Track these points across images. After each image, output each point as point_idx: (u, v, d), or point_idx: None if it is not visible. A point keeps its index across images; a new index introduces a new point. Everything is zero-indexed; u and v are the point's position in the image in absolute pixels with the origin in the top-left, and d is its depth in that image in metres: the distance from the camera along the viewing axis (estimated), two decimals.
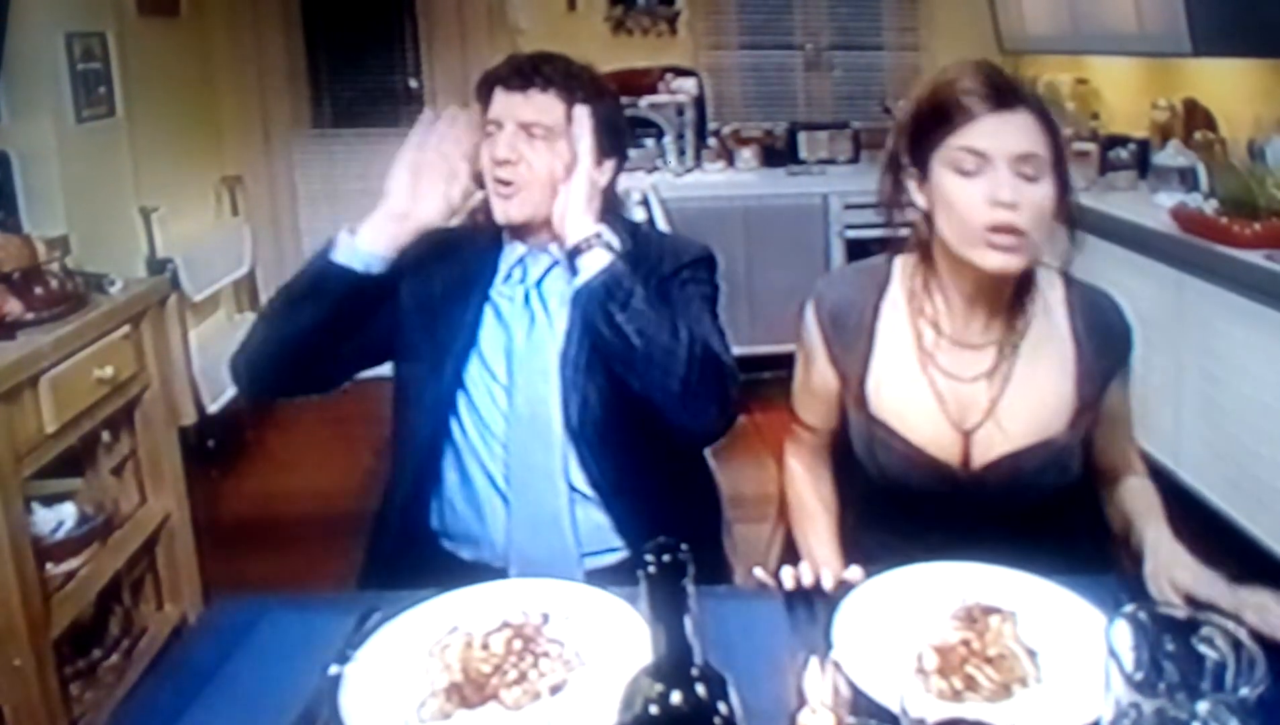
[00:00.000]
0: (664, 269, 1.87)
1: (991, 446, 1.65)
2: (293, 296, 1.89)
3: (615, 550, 1.89)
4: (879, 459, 1.70)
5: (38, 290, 2.54)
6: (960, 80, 1.55)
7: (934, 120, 1.57)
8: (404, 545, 1.90)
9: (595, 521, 1.88)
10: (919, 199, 1.64)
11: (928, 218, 1.63)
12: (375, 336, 1.91)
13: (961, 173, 1.54)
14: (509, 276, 1.92)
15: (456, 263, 1.93)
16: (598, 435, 1.85)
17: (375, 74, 5.58)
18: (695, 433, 1.82)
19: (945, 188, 1.56)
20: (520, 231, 1.89)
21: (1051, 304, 1.66)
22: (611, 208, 1.93)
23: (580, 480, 1.87)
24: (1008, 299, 1.64)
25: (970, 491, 1.66)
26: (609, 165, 1.89)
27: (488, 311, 1.90)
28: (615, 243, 1.76)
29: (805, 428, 1.85)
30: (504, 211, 1.85)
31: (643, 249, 1.89)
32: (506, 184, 1.83)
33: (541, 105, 1.84)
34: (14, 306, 2.47)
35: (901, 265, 1.75)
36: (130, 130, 4.06)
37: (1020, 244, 1.53)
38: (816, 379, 1.78)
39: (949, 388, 1.66)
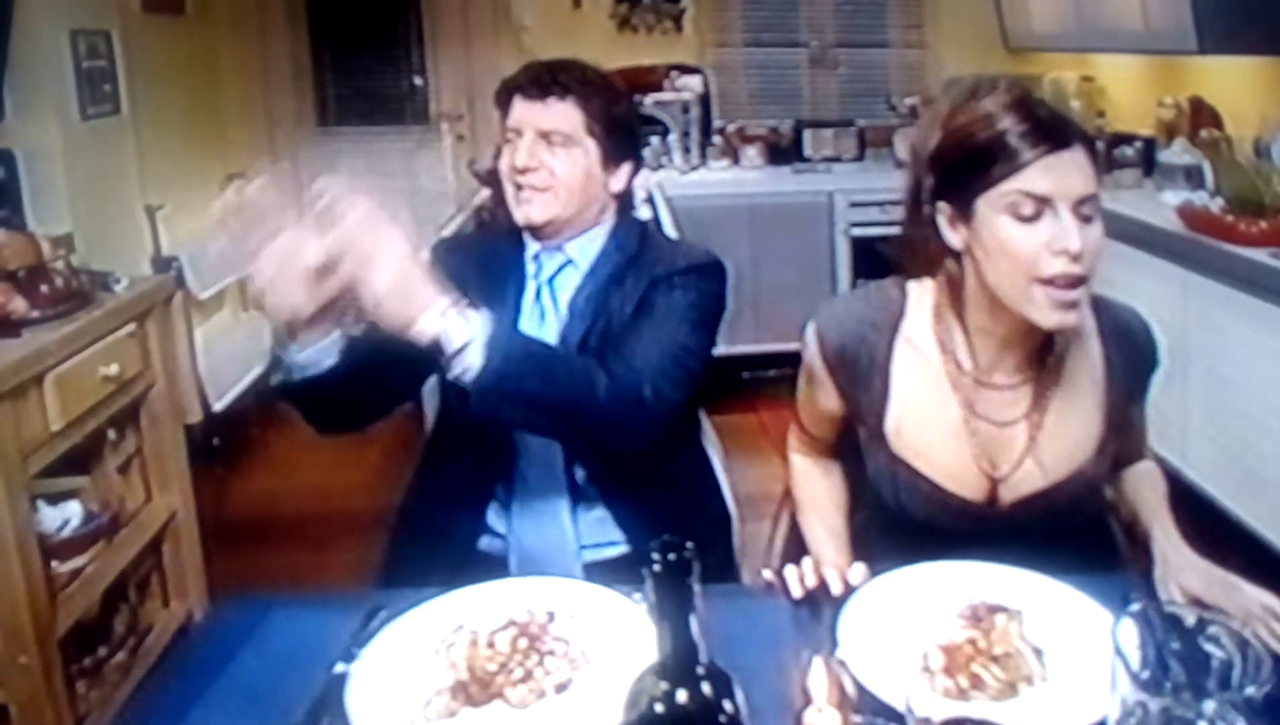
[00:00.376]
0: (655, 272, 1.87)
1: (1022, 485, 1.60)
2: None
3: (615, 544, 1.92)
4: (900, 497, 1.64)
5: (43, 288, 2.54)
6: (1003, 117, 1.44)
7: (975, 159, 1.45)
8: (447, 542, 1.92)
9: (596, 515, 1.92)
10: (953, 238, 1.52)
11: (959, 256, 1.53)
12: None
13: (1020, 219, 1.42)
14: (526, 269, 1.96)
15: (489, 262, 1.96)
16: None
17: (380, 72, 5.58)
18: (613, 447, 1.75)
19: (1000, 235, 1.44)
20: (537, 230, 1.92)
21: (1083, 333, 1.58)
22: (627, 209, 1.98)
23: (582, 475, 1.91)
24: (1040, 339, 1.56)
25: (997, 526, 1.60)
26: (625, 169, 1.94)
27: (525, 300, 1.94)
28: (463, 324, 1.51)
29: (808, 434, 1.83)
30: (525, 214, 1.88)
31: (649, 254, 1.93)
32: (528, 189, 1.86)
33: (560, 113, 1.86)
34: (19, 304, 2.48)
35: (917, 297, 1.65)
36: (135, 128, 4.06)
37: (1081, 297, 1.44)
38: (822, 402, 1.72)
39: (981, 430, 1.59)
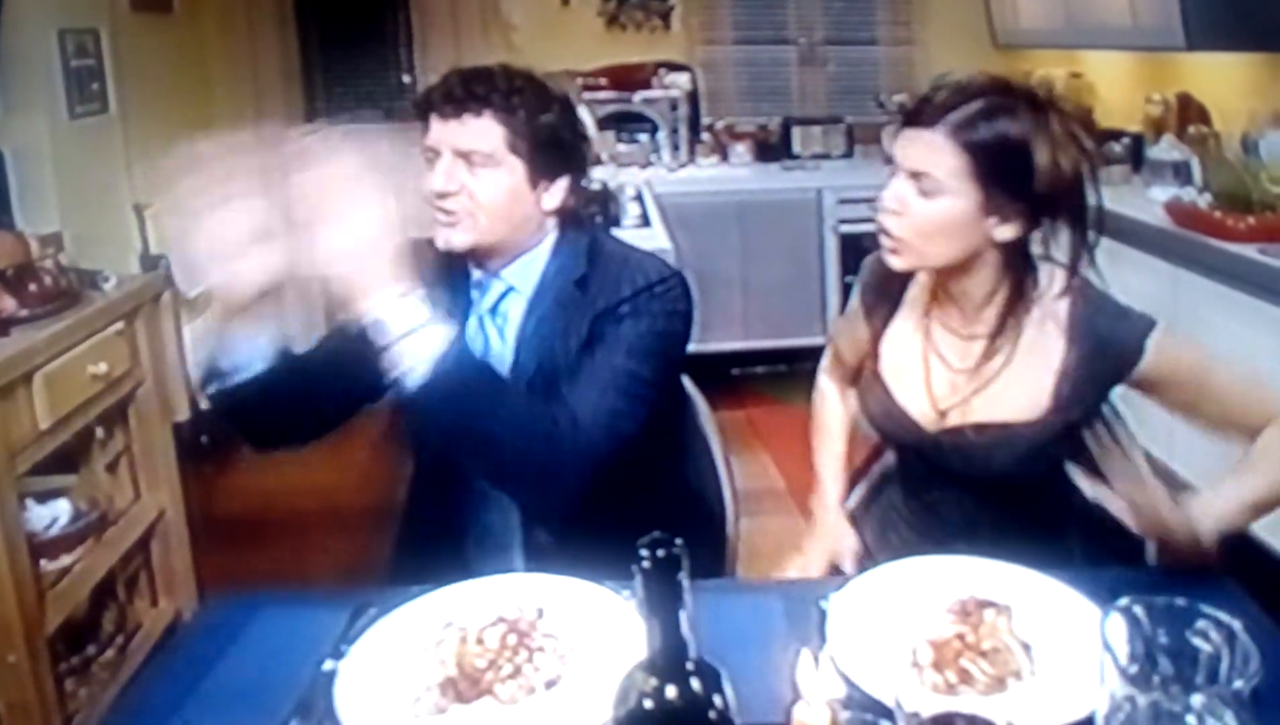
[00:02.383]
0: (601, 303, 1.73)
1: (960, 422, 1.69)
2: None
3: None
4: (870, 406, 1.81)
5: (31, 287, 2.54)
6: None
7: None
8: (442, 546, 1.90)
9: (546, 540, 1.82)
10: None
11: None
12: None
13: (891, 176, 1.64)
14: (471, 296, 1.85)
15: (436, 281, 1.78)
16: None
17: (369, 70, 5.57)
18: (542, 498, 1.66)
19: None
20: (471, 257, 1.80)
21: (1050, 304, 1.64)
22: (570, 224, 1.84)
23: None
24: (1001, 299, 1.65)
25: (933, 448, 1.74)
26: (560, 183, 1.78)
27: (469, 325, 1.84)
28: (416, 313, 1.48)
29: (838, 356, 2.00)
30: (445, 239, 1.74)
31: (598, 273, 1.78)
32: (448, 213, 1.73)
33: (477, 130, 1.71)
34: (7, 303, 2.47)
35: None
36: (124, 126, 4.05)
37: (892, 246, 1.63)
38: (854, 326, 1.89)
39: (937, 368, 1.73)
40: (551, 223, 1.82)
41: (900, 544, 1.81)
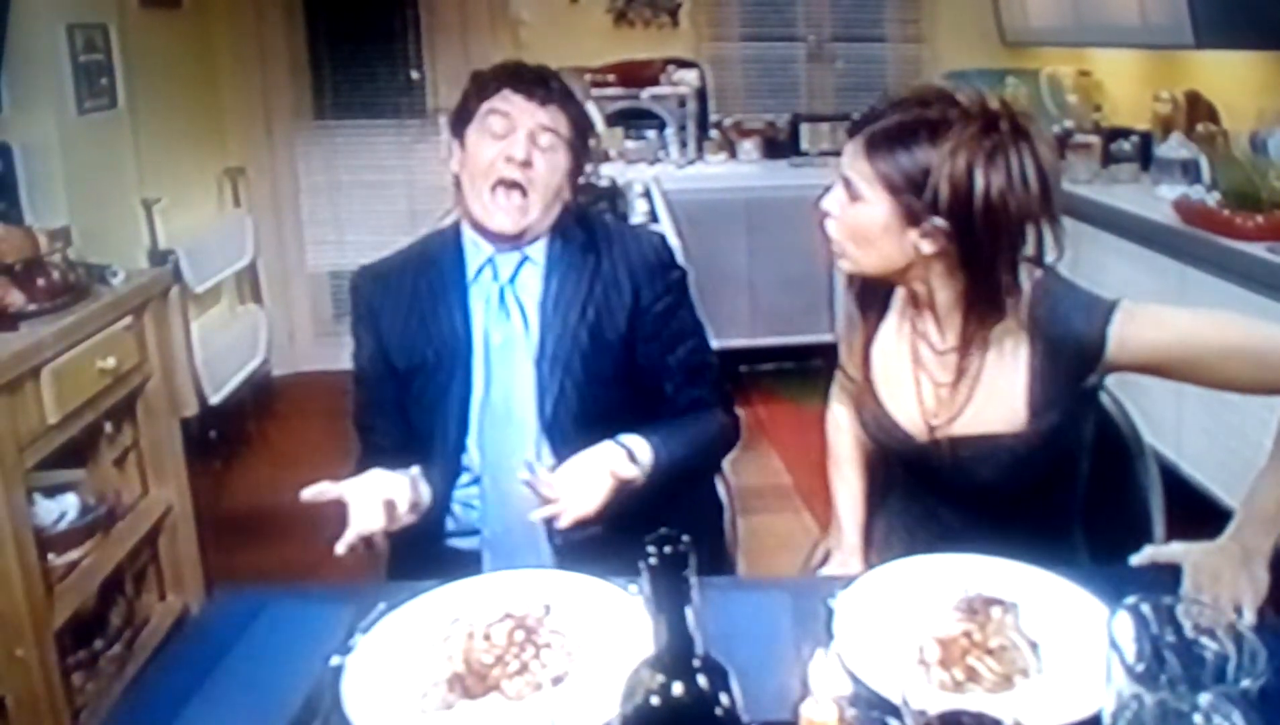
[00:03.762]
0: (644, 300, 1.92)
1: (949, 436, 1.66)
2: None
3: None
4: (865, 419, 1.78)
5: (40, 281, 2.54)
6: None
7: None
8: (426, 542, 1.91)
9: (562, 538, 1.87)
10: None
11: None
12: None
13: None
14: (479, 275, 1.93)
15: (426, 272, 1.95)
16: (572, 427, 1.87)
17: (377, 65, 5.56)
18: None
19: None
20: (493, 234, 1.89)
21: (1016, 319, 1.61)
22: (573, 207, 1.98)
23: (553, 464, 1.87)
24: (962, 310, 1.62)
25: (923, 460, 1.71)
26: (580, 174, 1.97)
27: (472, 308, 1.92)
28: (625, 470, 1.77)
29: (846, 375, 1.89)
30: (502, 224, 1.85)
31: (600, 239, 1.96)
32: (514, 187, 1.83)
33: (554, 115, 1.87)
34: (16, 298, 2.47)
35: None
36: (132, 122, 4.05)
37: (835, 248, 1.66)
38: (853, 332, 1.82)
39: (924, 382, 1.69)
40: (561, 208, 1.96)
41: (903, 551, 1.77)
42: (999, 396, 1.61)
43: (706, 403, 1.96)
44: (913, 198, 1.52)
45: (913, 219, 1.54)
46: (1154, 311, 1.59)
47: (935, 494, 1.76)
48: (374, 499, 1.68)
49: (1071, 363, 1.58)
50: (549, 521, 1.72)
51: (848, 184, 1.58)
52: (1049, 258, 1.59)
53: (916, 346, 1.70)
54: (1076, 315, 1.58)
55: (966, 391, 1.63)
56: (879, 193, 1.55)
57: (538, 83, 1.87)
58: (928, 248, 1.55)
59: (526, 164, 1.83)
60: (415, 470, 1.77)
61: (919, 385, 1.69)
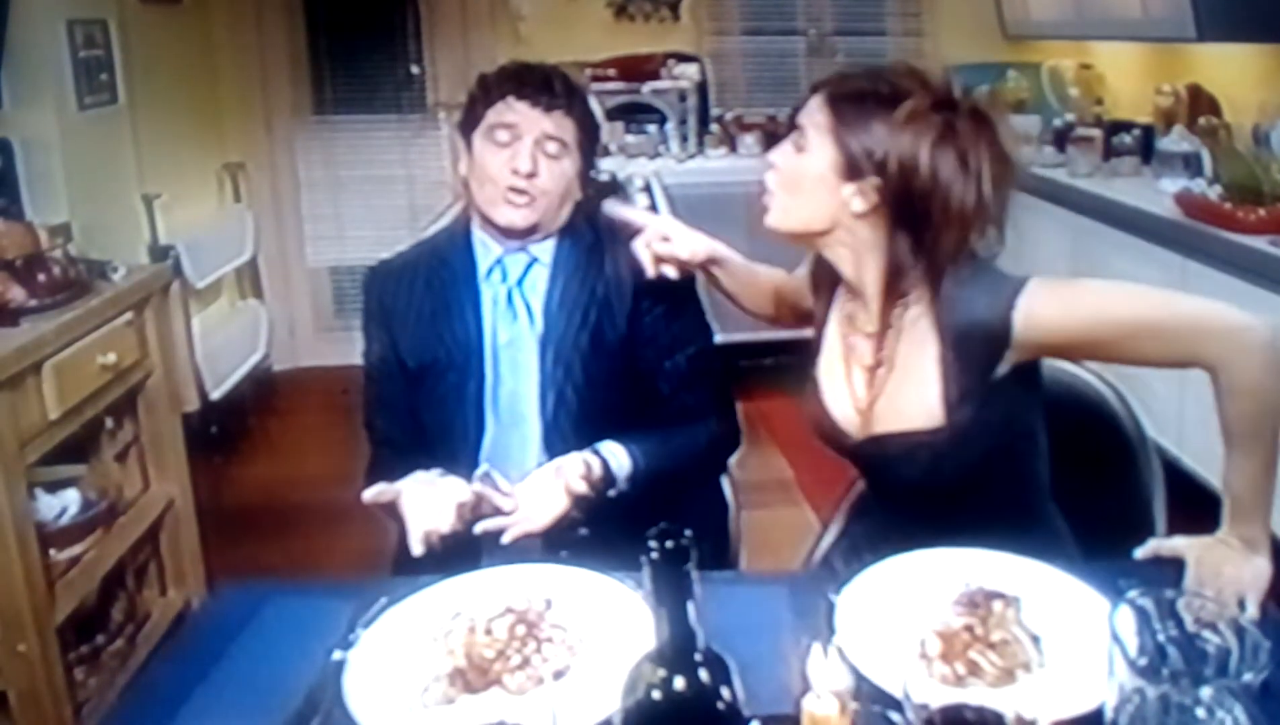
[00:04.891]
0: (644, 302, 1.91)
1: (876, 425, 1.64)
2: None
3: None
4: (809, 408, 1.75)
5: (40, 277, 2.54)
6: None
7: None
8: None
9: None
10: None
11: None
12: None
13: None
14: (489, 275, 1.94)
15: (438, 271, 1.96)
16: (571, 429, 1.88)
17: (377, 61, 5.55)
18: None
19: None
20: (503, 233, 1.90)
21: (924, 305, 1.59)
22: (583, 203, 1.98)
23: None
24: (879, 292, 1.61)
25: (856, 458, 1.71)
26: (588, 174, 1.96)
27: (484, 308, 1.93)
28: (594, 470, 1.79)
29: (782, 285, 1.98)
30: (511, 219, 1.86)
31: (605, 237, 1.95)
32: (522, 193, 1.84)
33: (560, 122, 1.87)
34: (17, 293, 2.47)
35: None
36: (132, 117, 4.05)
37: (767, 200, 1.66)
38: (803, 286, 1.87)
39: (854, 367, 1.68)
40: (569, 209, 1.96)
41: (872, 555, 1.64)
42: (914, 392, 1.58)
43: (700, 411, 1.94)
44: (859, 153, 1.52)
45: (851, 173, 1.54)
46: (1061, 290, 1.55)
47: (878, 494, 1.77)
48: (444, 500, 1.71)
49: (980, 351, 1.54)
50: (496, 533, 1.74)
51: (800, 133, 1.59)
52: (989, 251, 1.58)
53: (849, 335, 1.69)
54: (981, 301, 1.53)
55: (879, 383, 1.62)
56: (826, 141, 1.55)
57: (542, 87, 1.86)
58: (858, 205, 1.54)
59: (532, 175, 1.83)
60: (485, 467, 1.79)
61: (850, 378, 1.68)
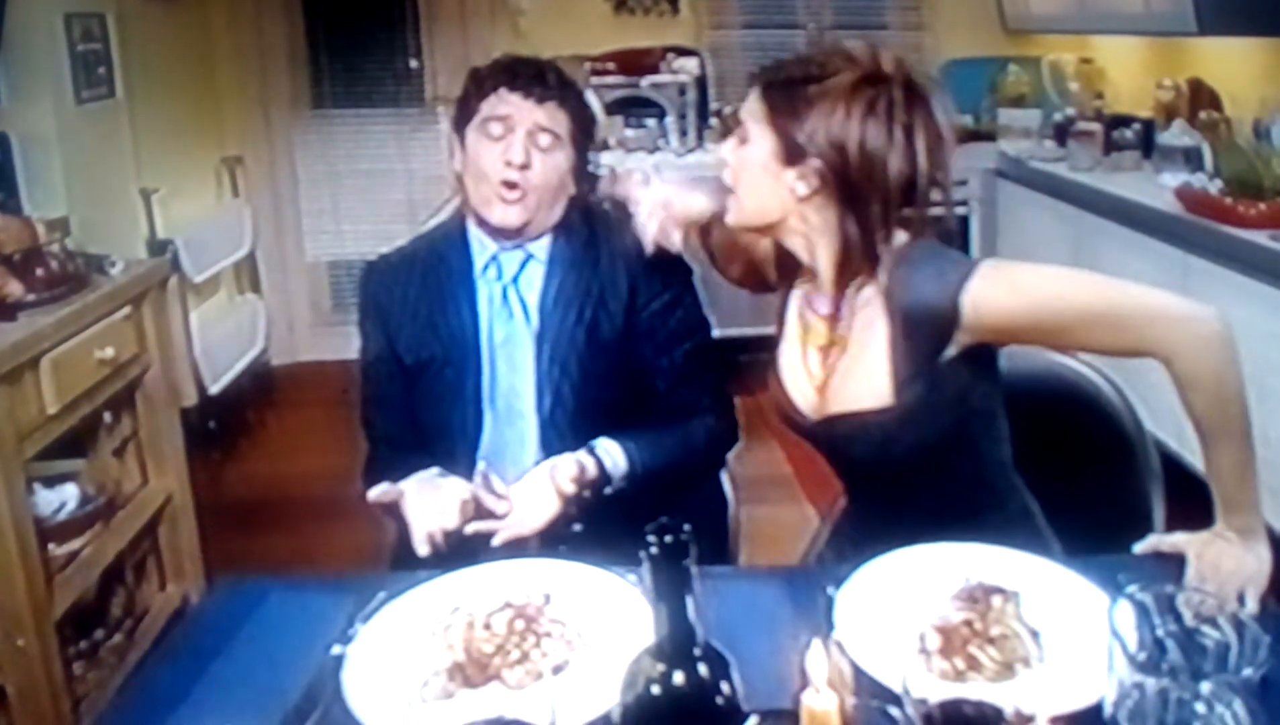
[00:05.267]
0: (640, 298, 1.90)
1: (830, 406, 1.63)
2: None
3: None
4: (772, 390, 1.74)
5: (38, 272, 2.54)
6: None
7: None
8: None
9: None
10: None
11: None
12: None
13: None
14: (485, 271, 1.93)
15: (434, 268, 1.95)
16: (569, 427, 1.88)
17: (375, 54, 5.55)
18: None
19: None
20: (497, 231, 1.89)
21: (876, 288, 1.58)
22: (578, 198, 1.96)
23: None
24: (832, 274, 1.60)
25: (814, 440, 1.70)
26: (582, 169, 1.95)
27: (480, 305, 1.92)
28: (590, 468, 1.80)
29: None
30: (504, 215, 1.85)
31: (600, 232, 1.94)
32: (513, 187, 1.83)
33: (553, 114, 1.86)
34: (15, 288, 2.47)
35: None
36: (130, 111, 4.05)
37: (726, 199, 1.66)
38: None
39: (810, 349, 1.68)
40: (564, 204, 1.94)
41: (853, 551, 1.65)
42: (865, 372, 1.58)
43: (698, 407, 1.93)
44: (794, 136, 1.53)
45: (792, 157, 1.54)
46: (1012, 274, 1.54)
47: (840, 475, 1.77)
48: (447, 499, 1.71)
49: (928, 333, 1.53)
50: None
51: (741, 126, 1.60)
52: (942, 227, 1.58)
53: (805, 316, 1.69)
54: (930, 283, 1.53)
55: (836, 362, 1.62)
56: (764, 130, 1.56)
57: (535, 79, 1.85)
58: (802, 189, 1.55)
59: (525, 166, 1.82)
60: (482, 466, 1.79)
61: (806, 359, 1.68)
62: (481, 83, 1.88)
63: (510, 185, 1.83)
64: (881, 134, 1.50)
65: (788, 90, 1.54)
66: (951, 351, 1.54)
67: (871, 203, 1.52)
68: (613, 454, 1.81)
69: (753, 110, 1.58)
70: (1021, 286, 1.52)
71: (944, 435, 1.59)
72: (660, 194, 1.87)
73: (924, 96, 1.53)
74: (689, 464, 1.92)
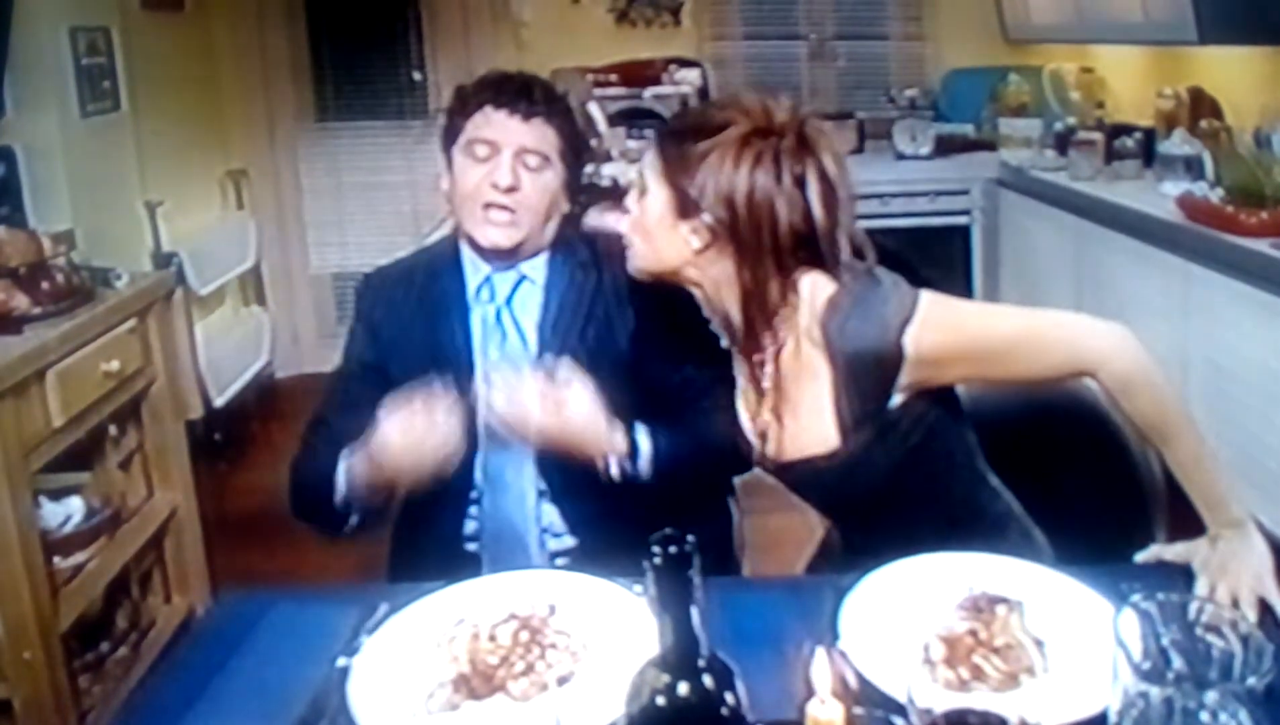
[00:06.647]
0: (646, 316, 1.86)
1: (780, 452, 1.64)
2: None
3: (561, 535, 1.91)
4: (737, 441, 1.73)
5: (44, 285, 2.54)
6: None
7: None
8: (437, 548, 1.90)
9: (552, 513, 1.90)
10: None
11: None
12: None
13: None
14: (478, 294, 1.90)
15: (430, 287, 1.92)
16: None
17: (379, 67, 5.56)
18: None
19: None
20: (489, 253, 1.86)
21: (810, 321, 1.57)
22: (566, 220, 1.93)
23: (548, 484, 1.89)
24: (740, 322, 1.61)
25: (779, 477, 1.69)
26: (576, 187, 1.91)
27: (474, 328, 1.89)
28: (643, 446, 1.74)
29: None
30: (494, 239, 1.82)
31: (599, 256, 1.88)
32: (503, 210, 1.80)
33: (542, 133, 1.82)
34: (20, 301, 2.48)
35: None
36: (135, 124, 4.06)
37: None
38: None
39: (751, 393, 1.68)
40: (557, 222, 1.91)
41: (854, 562, 1.61)
42: (811, 418, 1.58)
43: (717, 415, 1.80)
44: (686, 190, 1.54)
45: (685, 211, 1.55)
46: (947, 309, 1.55)
47: (820, 513, 1.78)
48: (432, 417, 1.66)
49: (873, 376, 1.54)
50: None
51: (641, 178, 1.62)
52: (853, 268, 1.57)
53: (741, 363, 1.70)
54: (870, 327, 1.52)
55: (778, 408, 1.62)
56: (659, 183, 1.58)
57: (521, 95, 1.81)
58: (696, 242, 1.56)
59: (513, 189, 1.79)
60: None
61: (750, 405, 1.69)
62: (466, 101, 1.85)
63: (498, 208, 1.80)
64: (770, 185, 1.50)
65: (680, 144, 1.56)
66: (899, 396, 1.55)
67: (766, 252, 1.53)
68: (642, 440, 1.75)
69: (650, 162, 1.60)
70: (958, 320, 1.55)
71: (902, 467, 1.60)
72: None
73: (814, 147, 1.53)
74: (713, 468, 1.87)
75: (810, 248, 1.54)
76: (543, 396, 1.66)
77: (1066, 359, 1.52)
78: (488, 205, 1.80)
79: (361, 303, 1.98)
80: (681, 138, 1.57)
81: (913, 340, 1.49)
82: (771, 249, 1.53)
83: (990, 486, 1.71)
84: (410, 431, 1.63)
